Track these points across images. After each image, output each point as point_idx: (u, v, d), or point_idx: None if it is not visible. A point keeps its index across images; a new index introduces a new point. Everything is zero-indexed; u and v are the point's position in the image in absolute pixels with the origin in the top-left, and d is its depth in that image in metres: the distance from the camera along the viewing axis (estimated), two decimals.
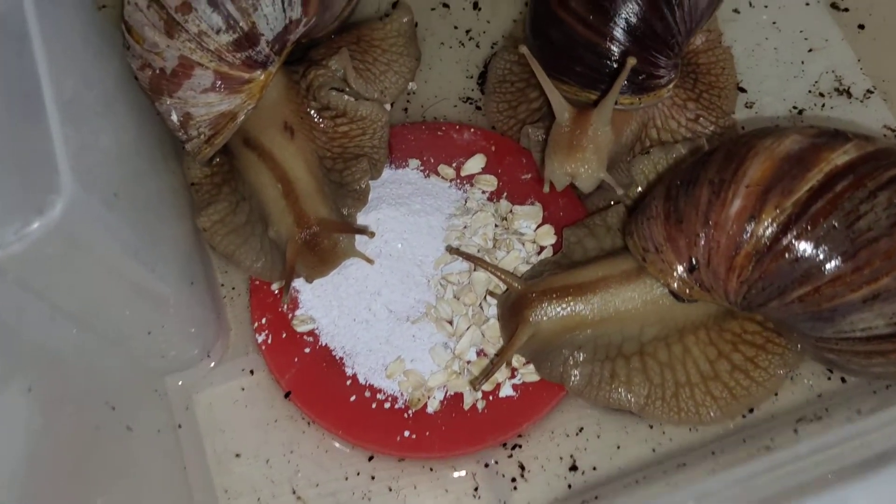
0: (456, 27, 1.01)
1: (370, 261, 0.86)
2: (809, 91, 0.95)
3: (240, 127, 0.82)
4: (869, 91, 0.95)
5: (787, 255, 0.68)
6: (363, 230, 0.84)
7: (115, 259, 0.67)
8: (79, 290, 0.67)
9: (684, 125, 0.90)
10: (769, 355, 0.78)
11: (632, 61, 0.80)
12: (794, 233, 0.68)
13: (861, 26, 0.98)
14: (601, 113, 0.83)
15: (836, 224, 0.67)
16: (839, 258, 0.66)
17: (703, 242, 0.71)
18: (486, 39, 1.01)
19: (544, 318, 0.79)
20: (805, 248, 0.67)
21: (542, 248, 0.88)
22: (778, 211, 0.68)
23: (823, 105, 0.95)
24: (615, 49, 0.82)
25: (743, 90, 0.96)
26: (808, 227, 0.67)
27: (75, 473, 0.65)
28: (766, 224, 0.68)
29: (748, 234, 0.69)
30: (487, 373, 0.79)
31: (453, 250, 0.86)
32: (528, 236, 0.88)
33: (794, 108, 0.95)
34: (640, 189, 0.87)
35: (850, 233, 0.66)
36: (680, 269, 0.74)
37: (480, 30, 1.01)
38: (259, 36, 0.81)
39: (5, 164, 0.58)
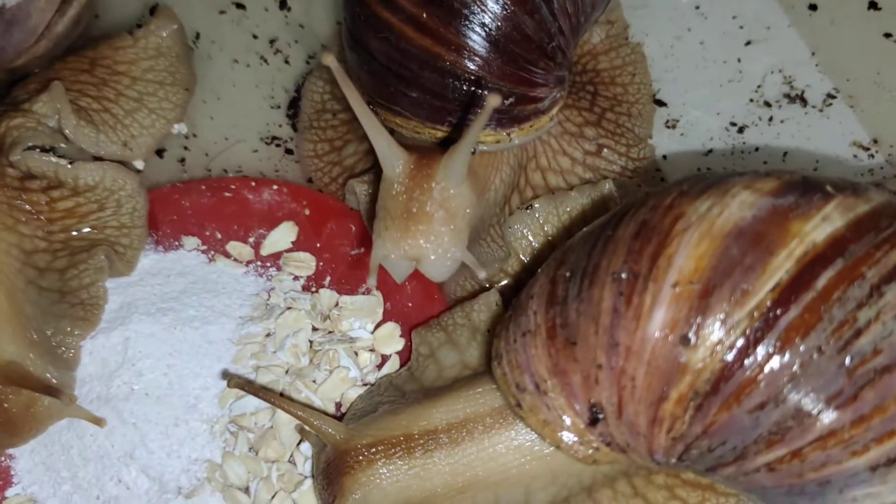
0: (256, 36, 0.81)
1: (99, 422, 0.60)
2: (751, 100, 0.80)
3: None
4: (830, 95, 0.79)
5: (745, 400, 0.50)
6: (56, 394, 0.56)
7: None
8: None
9: (581, 162, 0.73)
10: (720, 497, 0.61)
11: (494, 101, 0.56)
12: (756, 362, 0.49)
13: (813, 6, 0.82)
14: (452, 164, 0.61)
15: (821, 346, 0.49)
16: (831, 403, 0.49)
17: (608, 378, 0.52)
18: (297, 52, 0.81)
19: (376, 486, 0.59)
20: (774, 387, 0.49)
21: (384, 359, 0.69)
22: (727, 327, 0.50)
23: (771, 118, 0.79)
24: (467, 63, 0.62)
25: (661, 103, 0.80)
26: (778, 353, 0.49)
27: None
28: (709, 349, 0.50)
29: (681, 366, 0.50)
30: None
31: (237, 382, 0.62)
32: (363, 342, 0.70)
33: (733, 124, 0.79)
34: (523, 260, 0.69)
35: (845, 359, 0.49)
36: (574, 420, 0.54)
37: (290, 38, 0.81)
38: None
39: None
